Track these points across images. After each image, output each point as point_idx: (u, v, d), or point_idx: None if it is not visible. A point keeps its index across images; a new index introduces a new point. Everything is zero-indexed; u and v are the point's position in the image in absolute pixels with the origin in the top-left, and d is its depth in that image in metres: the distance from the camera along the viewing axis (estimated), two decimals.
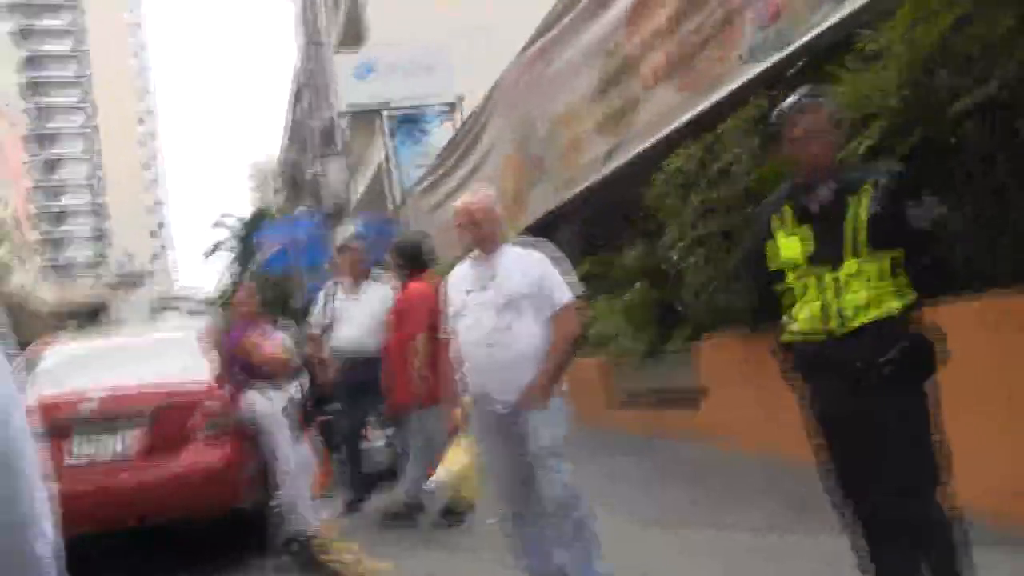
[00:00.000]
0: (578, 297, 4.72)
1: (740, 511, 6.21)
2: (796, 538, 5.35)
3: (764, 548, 5.34)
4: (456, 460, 4.88)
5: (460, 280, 4.80)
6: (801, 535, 5.30)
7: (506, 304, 4.54)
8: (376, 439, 8.57)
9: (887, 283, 3.43)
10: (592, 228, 12.07)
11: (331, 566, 6.12)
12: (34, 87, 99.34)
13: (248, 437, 6.78)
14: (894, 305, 3.42)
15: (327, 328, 7.79)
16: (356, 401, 7.75)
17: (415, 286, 6.94)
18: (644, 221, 9.09)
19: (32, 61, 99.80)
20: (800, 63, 7.08)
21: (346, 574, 5.83)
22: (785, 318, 3.65)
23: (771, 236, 3.67)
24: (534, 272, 4.63)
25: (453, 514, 6.83)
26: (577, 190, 11.59)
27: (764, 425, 7.72)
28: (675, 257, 8.12)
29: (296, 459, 6.88)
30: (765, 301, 3.78)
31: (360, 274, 7.85)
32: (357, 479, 7.83)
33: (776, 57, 7.27)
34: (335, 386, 7.71)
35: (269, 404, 6.84)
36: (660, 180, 8.22)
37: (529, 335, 4.54)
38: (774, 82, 7.26)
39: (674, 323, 9.27)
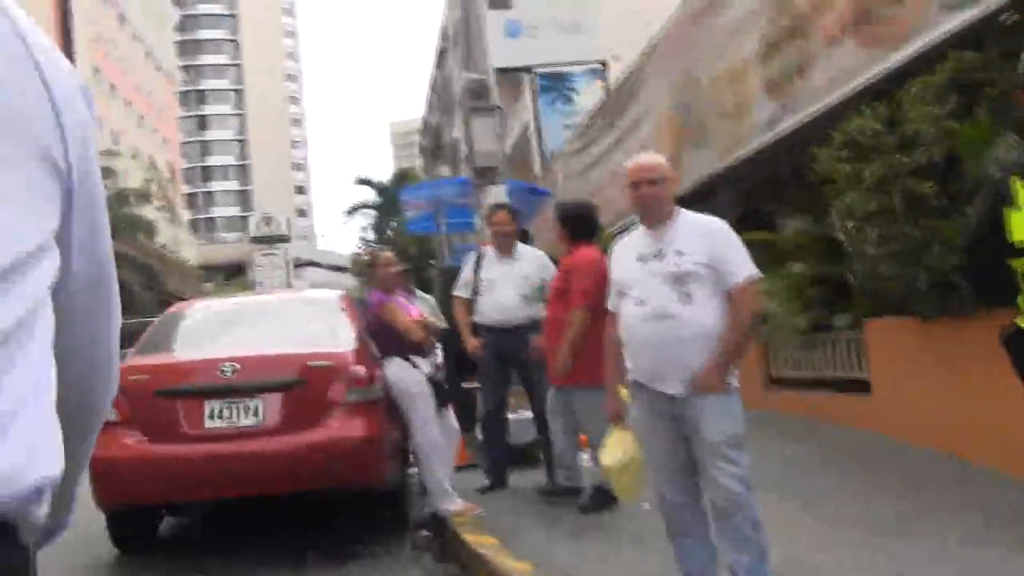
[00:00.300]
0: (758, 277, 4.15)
1: (919, 513, 5.59)
2: (992, 552, 4.73)
3: (948, 558, 4.73)
4: (617, 451, 4.39)
5: (630, 248, 4.32)
6: (996, 549, 4.71)
7: (682, 276, 4.06)
8: (520, 414, 8.17)
9: None
10: (753, 198, 11.35)
11: (466, 554, 5.75)
12: (188, 46, 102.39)
13: (391, 408, 6.45)
14: None
15: (473, 296, 7.37)
16: (502, 374, 7.33)
17: (585, 252, 6.43)
18: (811, 190, 8.37)
19: (187, 21, 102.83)
20: (1010, 14, 6.26)
21: (480, 567, 5.43)
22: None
23: (1012, 203, 3.10)
24: (715, 243, 4.13)
25: (604, 497, 6.39)
26: (741, 155, 10.85)
27: (943, 422, 7.04)
28: (850, 227, 7.39)
29: (439, 433, 6.53)
30: (986, 281, 3.22)
31: (510, 240, 7.39)
32: (498, 456, 7.42)
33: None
34: (479, 358, 7.30)
35: (413, 373, 6.50)
36: (837, 142, 7.48)
37: (705, 312, 4.05)
38: (976, 36, 6.48)
39: (842, 303, 8.56)
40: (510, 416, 7.65)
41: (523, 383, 7.45)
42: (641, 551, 5.26)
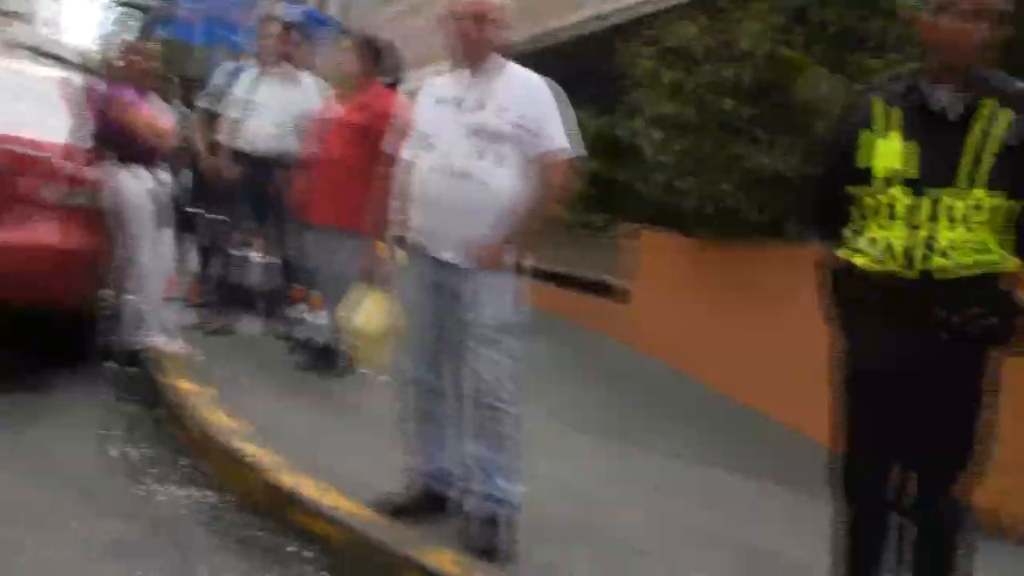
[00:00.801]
0: (576, 156, 3.58)
1: (667, 432, 5.37)
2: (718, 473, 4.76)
3: (690, 479, 4.69)
4: (376, 316, 3.76)
5: (440, 93, 3.64)
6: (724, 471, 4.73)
7: (495, 134, 3.45)
8: (261, 256, 7.37)
9: (994, 236, 2.72)
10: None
11: (170, 400, 5.01)
12: None
13: (104, 220, 5.50)
14: (997, 260, 2.71)
15: (236, 120, 6.43)
16: (247, 207, 6.49)
17: (387, 93, 5.61)
18: (613, 87, 7.88)
19: None
20: None
21: (186, 418, 4.72)
22: (851, 237, 2.89)
23: (869, 130, 2.82)
24: (537, 104, 3.52)
25: (330, 358, 5.85)
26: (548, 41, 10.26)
27: (697, 345, 6.88)
28: (656, 136, 6.98)
29: (158, 257, 5.68)
30: (821, 208, 3.12)
31: (282, 59, 6.46)
32: (230, 297, 6.63)
33: None
34: (229, 186, 6.41)
35: (138, 186, 5.58)
36: (659, 47, 7.02)
37: (510, 179, 3.48)
38: None
39: (619, 207, 8.25)
40: (250, 255, 6.84)
41: (269, 222, 6.65)
42: (367, 425, 4.72)
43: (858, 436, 2.79)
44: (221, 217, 6.76)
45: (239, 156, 6.33)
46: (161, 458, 4.46)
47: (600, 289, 8.37)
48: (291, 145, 6.26)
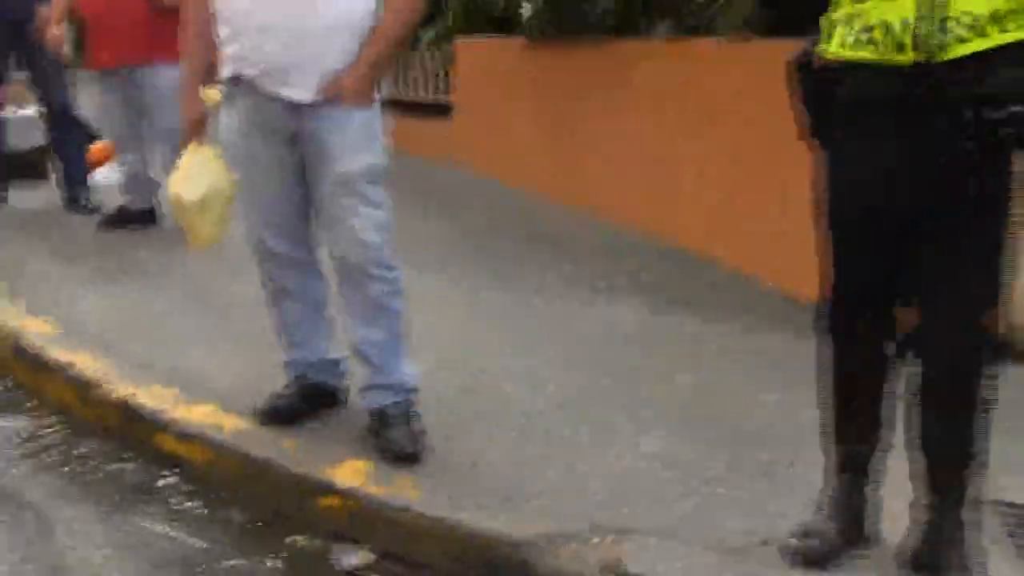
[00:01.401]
0: None
1: (521, 262, 4.89)
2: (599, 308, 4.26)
3: (569, 318, 4.15)
4: (199, 179, 2.99)
5: None
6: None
7: None
8: (22, 107, 6.25)
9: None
10: None
11: None
12: None
13: None
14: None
15: None
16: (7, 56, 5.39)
17: None
18: None
19: None
20: None
21: None
22: (830, 21, 2.26)
23: None
24: None
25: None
26: None
27: (524, 160, 6.37)
28: None
29: None
30: None
31: None
32: None
33: None
34: None
35: None
36: None
37: None
38: None
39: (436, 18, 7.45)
40: (9, 114, 5.75)
41: (29, 70, 5.57)
42: (211, 310, 4.01)
43: (850, 271, 2.32)
44: None
45: None
46: None
47: (430, 111, 7.64)
48: None
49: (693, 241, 4.97)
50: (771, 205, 4.39)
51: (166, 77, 4.78)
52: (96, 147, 6.10)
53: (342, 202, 2.80)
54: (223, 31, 2.80)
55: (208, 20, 2.85)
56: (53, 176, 5.92)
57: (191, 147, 3.01)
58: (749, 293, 4.41)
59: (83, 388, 3.31)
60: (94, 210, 5.49)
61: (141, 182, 5.25)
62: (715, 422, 3.09)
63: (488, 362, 3.56)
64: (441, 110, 7.51)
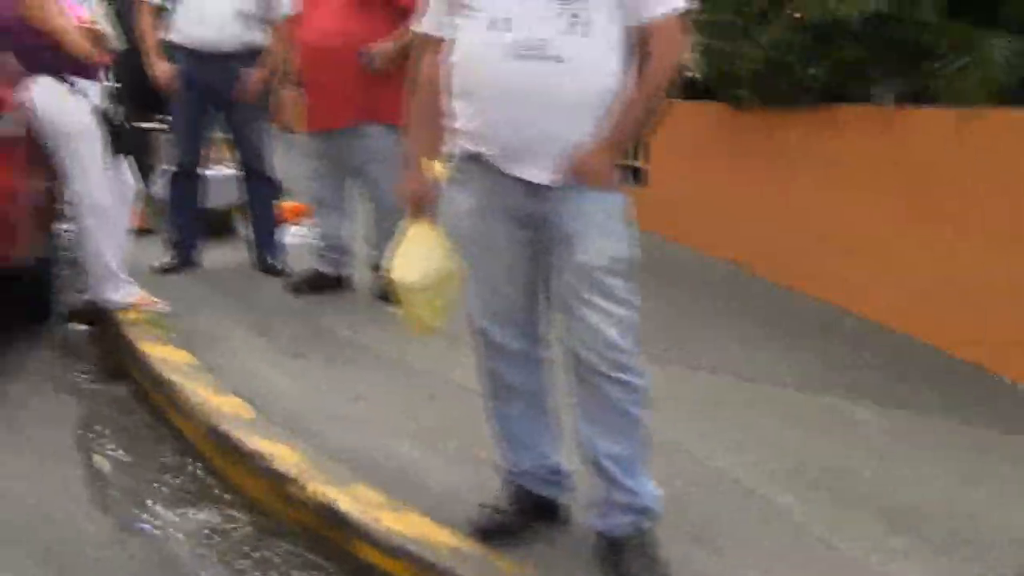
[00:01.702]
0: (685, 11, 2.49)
1: (741, 343, 4.43)
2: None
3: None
4: (423, 261, 2.69)
5: None
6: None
7: None
8: (221, 165, 6.22)
9: None
10: None
11: (140, 372, 3.97)
12: None
13: (33, 151, 4.33)
14: None
15: (167, 3, 5.20)
16: (201, 114, 5.32)
17: None
18: None
19: None
20: None
21: (162, 396, 3.70)
22: None
23: None
24: None
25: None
26: None
27: (724, 229, 5.92)
28: None
29: (108, 190, 4.51)
30: None
31: None
32: (188, 225, 5.50)
33: None
34: (171, 90, 5.23)
35: (75, 103, 4.36)
36: None
37: (606, 55, 2.42)
38: None
39: None
40: (208, 172, 5.69)
41: (230, 129, 5.50)
42: (421, 400, 3.71)
43: None
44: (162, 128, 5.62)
45: (192, 53, 5.14)
46: (140, 461, 3.43)
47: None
48: (255, 36, 5.19)
49: (921, 330, 4.46)
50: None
51: (381, 140, 4.68)
52: (286, 205, 6.01)
53: (582, 295, 2.45)
54: (459, 104, 2.52)
55: (439, 90, 2.58)
56: (244, 234, 5.84)
57: (414, 225, 2.72)
58: (996, 391, 3.89)
59: (279, 483, 3.03)
60: (286, 273, 5.35)
61: (337, 248, 5.09)
62: None
63: (735, 466, 3.15)
64: (633, 173, 7.13)
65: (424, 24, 2.67)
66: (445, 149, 2.62)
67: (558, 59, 2.35)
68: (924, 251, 4.53)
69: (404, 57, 4.65)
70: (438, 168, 2.70)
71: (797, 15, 5.17)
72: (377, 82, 4.68)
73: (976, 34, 4.44)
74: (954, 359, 4.24)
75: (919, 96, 4.72)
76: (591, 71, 2.39)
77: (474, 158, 2.52)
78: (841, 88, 5.22)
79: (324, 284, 5.08)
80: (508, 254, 2.56)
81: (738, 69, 5.58)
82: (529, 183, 2.45)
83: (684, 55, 2.51)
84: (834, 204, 5.11)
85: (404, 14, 4.65)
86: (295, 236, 5.99)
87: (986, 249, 4.22)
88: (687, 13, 2.46)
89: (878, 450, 3.40)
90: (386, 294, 4.88)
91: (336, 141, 4.88)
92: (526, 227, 2.52)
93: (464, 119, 2.51)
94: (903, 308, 4.62)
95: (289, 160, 5.64)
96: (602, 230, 2.45)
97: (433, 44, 2.62)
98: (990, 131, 4.21)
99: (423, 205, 2.69)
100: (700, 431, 3.48)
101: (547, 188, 2.44)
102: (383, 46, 4.66)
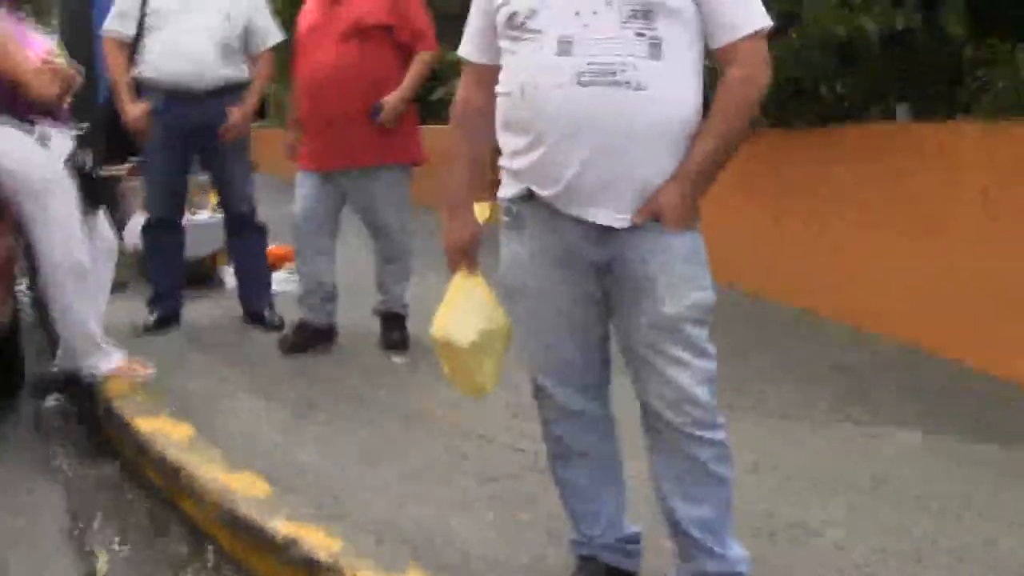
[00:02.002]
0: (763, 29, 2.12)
1: (800, 393, 4.02)
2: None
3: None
4: (472, 316, 2.31)
5: None
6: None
7: (643, 12, 2.02)
8: (202, 210, 5.80)
9: None
10: None
11: (132, 448, 3.52)
12: None
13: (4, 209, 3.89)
14: None
15: (137, 38, 4.76)
16: (180, 159, 4.87)
17: None
18: None
19: None
20: None
21: (162, 476, 3.25)
22: None
23: None
24: None
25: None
26: None
27: (745, 260, 5.54)
28: None
29: (84, 248, 4.05)
30: None
31: None
32: (170, 279, 5.03)
33: None
34: (143, 133, 4.76)
35: (39, 151, 3.91)
36: None
37: (683, 80, 2.07)
38: None
39: None
40: (186, 219, 5.23)
41: (211, 172, 5.08)
42: (454, 455, 3.29)
43: None
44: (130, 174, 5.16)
45: (167, 92, 4.68)
46: (145, 554, 2.96)
47: None
48: (236, 71, 4.78)
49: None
50: None
51: (395, 181, 4.41)
52: (273, 250, 5.59)
53: (662, 349, 2.09)
54: (512, 139, 2.15)
55: (486, 124, 2.23)
56: (226, 282, 5.40)
57: (458, 276, 2.35)
58: None
59: (313, 571, 2.60)
60: (278, 325, 4.90)
61: (329, 296, 4.62)
62: None
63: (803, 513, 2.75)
64: None
65: (466, 49, 2.31)
66: (495, 190, 2.25)
67: (634, 85, 1.99)
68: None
69: (414, 94, 4.38)
70: (486, 212, 2.33)
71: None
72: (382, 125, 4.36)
73: (1002, 49, 4.20)
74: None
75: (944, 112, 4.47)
76: (671, 99, 2.04)
77: (529, 199, 2.15)
78: (863, 106, 4.92)
79: (318, 337, 4.61)
80: (570, 306, 2.20)
81: None
82: (597, 226, 2.08)
83: (767, 79, 2.11)
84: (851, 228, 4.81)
85: (406, 48, 4.40)
86: (281, 283, 5.57)
87: None
88: (764, 30, 2.10)
89: None
90: (394, 343, 4.52)
91: (338, 181, 4.45)
92: (591, 276, 2.16)
93: (518, 155, 2.14)
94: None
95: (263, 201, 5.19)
96: (684, 275, 2.10)
97: (477, 72, 2.27)
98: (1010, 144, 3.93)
99: (469, 253, 2.34)
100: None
101: (617, 231, 2.07)
102: (392, 101, 4.31)
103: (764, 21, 2.08)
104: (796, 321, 4.99)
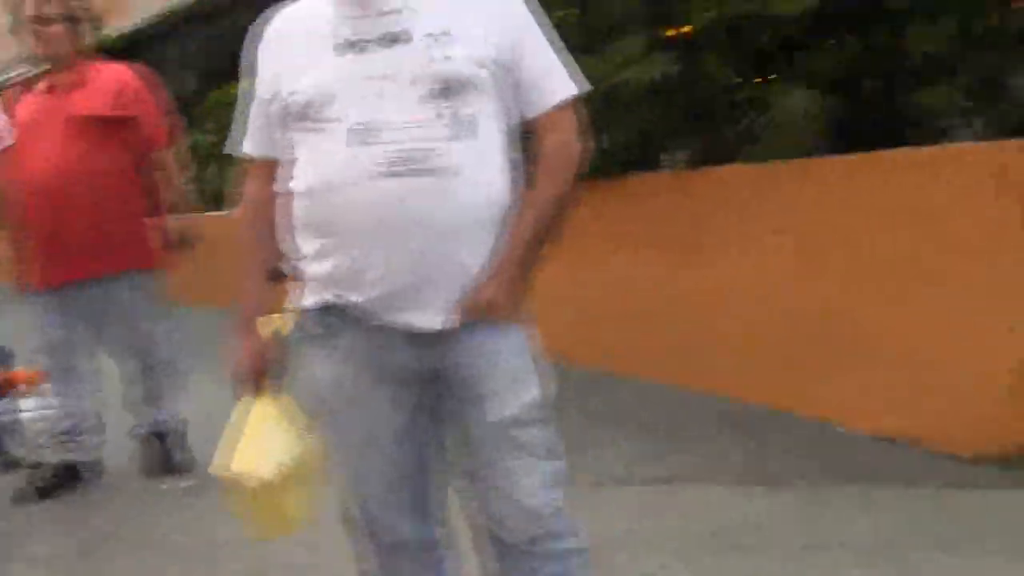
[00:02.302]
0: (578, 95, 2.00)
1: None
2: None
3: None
4: (268, 446, 1.99)
5: (313, 23, 1.93)
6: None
7: (456, 83, 1.83)
8: None
9: None
10: None
11: None
12: None
13: None
14: None
15: None
16: None
17: (116, 66, 4.06)
18: None
19: None
20: None
21: None
22: None
23: None
24: (511, 20, 1.94)
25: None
26: None
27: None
28: None
29: None
30: None
31: None
32: None
33: None
34: None
35: None
36: None
37: (493, 160, 1.89)
38: None
39: None
40: None
41: None
42: None
43: None
44: None
45: None
46: None
47: None
48: None
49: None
50: None
51: (145, 287, 4.00)
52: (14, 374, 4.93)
53: (502, 459, 1.89)
54: (310, 243, 1.90)
55: (275, 228, 1.98)
56: None
57: (253, 403, 2.04)
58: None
59: None
60: (15, 465, 4.28)
61: (92, 427, 4.08)
62: None
63: None
64: None
65: (248, 144, 2.03)
66: (288, 301, 1.98)
67: (439, 171, 1.79)
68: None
69: (138, 188, 3.92)
70: (276, 323, 2.03)
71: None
72: (122, 220, 3.90)
73: (771, 90, 4.30)
74: None
75: (715, 157, 4.51)
76: (485, 182, 1.85)
77: (335, 309, 1.89)
78: (634, 155, 4.91)
79: (77, 475, 4.06)
80: (394, 421, 1.94)
81: None
82: (415, 333, 1.85)
83: (582, 144, 1.97)
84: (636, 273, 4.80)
85: (136, 145, 3.98)
86: (27, 412, 4.88)
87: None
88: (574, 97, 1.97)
89: None
90: (159, 467, 4.06)
91: (81, 295, 3.92)
92: (412, 385, 1.92)
93: (319, 261, 1.89)
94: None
95: None
96: (517, 373, 1.90)
97: (267, 167, 2.00)
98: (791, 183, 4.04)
99: (260, 374, 2.04)
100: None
101: (439, 334, 1.85)
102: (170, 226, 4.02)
103: (575, 88, 1.95)
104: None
